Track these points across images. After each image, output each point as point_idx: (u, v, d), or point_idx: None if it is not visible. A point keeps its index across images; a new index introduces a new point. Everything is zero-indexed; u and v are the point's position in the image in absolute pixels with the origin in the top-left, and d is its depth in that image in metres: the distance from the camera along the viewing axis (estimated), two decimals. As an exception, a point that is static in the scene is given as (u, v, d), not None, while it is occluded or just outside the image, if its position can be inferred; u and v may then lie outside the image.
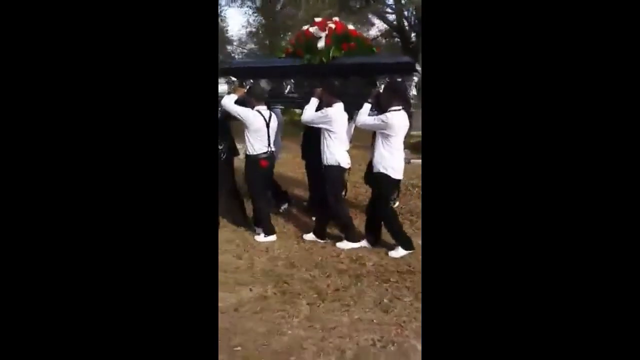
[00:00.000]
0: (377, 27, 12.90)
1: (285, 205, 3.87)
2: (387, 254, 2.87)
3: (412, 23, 10.84)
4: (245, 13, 16.93)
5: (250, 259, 2.84)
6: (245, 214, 3.53)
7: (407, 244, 2.86)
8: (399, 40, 12.13)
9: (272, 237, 3.18)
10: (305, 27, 3.23)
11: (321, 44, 3.03)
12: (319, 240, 3.12)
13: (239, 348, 1.85)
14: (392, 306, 2.20)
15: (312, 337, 1.94)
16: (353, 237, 3.03)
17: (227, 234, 3.30)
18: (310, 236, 3.17)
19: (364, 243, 3.02)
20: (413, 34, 10.86)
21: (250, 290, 2.39)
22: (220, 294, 2.30)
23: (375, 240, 3.02)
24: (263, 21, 14.85)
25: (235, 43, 16.41)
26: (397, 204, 3.60)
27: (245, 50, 16.14)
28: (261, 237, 3.18)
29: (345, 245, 3.01)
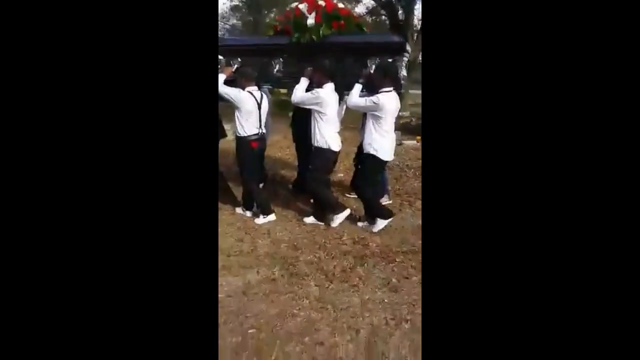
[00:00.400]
0: (364, 4, 12.66)
1: (261, 185, 3.81)
2: (370, 231, 2.94)
3: None
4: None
5: (252, 242, 2.81)
6: (230, 194, 3.48)
7: (385, 214, 2.95)
8: (385, 17, 11.90)
9: (272, 217, 3.16)
10: (294, 5, 3.13)
11: (311, 20, 2.96)
12: (320, 223, 3.12)
13: (253, 330, 1.84)
14: (400, 286, 2.23)
15: (325, 318, 1.95)
16: (319, 216, 3.09)
17: (227, 216, 3.25)
18: (310, 219, 3.16)
19: (381, 223, 2.95)
20: (400, 11, 10.64)
21: (257, 273, 2.37)
22: (227, 278, 2.29)
23: (371, 221, 3.03)
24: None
25: (216, 18, 15.76)
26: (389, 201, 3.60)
27: (227, 26, 15.59)
28: (260, 219, 3.14)
29: (310, 220, 3.10)
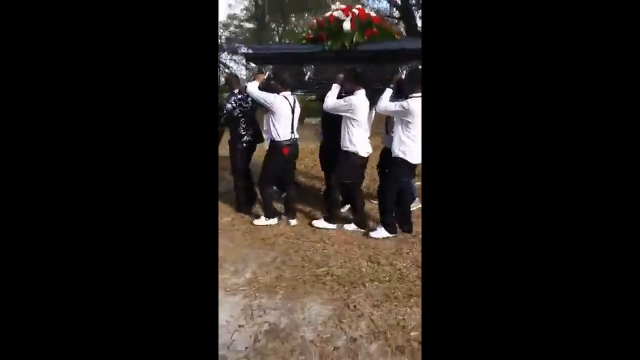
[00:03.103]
0: (373, 8, 12.53)
1: (283, 195, 3.48)
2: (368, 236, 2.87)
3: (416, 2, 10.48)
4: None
5: (389, 262, 2.46)
6: (249, 199, 3.43)
7: (391, 228, 2.87)
8: (395, 21, 11.85)
9: (274, 220, 3.12)
10: (329, 13, 3.11)
11: (347, 26, 2.90)
12: (330, 226, 3.01)
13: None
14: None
15: None
16: (361, 224, 3.03)
17: (332, 233, 2.89)
18: (321, 223, 3.06)
19: (384, 232, 2.86)
20: (418, 15, 10.49)
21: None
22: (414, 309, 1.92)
23: (409, 228, 2.94)
24: (249, 4, 13.98)
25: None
26: (418, 205, 3.38)
27: (227, 34, 15.19)
28: (262, 220, 3.11)
29: (351, 227, 3.02)
